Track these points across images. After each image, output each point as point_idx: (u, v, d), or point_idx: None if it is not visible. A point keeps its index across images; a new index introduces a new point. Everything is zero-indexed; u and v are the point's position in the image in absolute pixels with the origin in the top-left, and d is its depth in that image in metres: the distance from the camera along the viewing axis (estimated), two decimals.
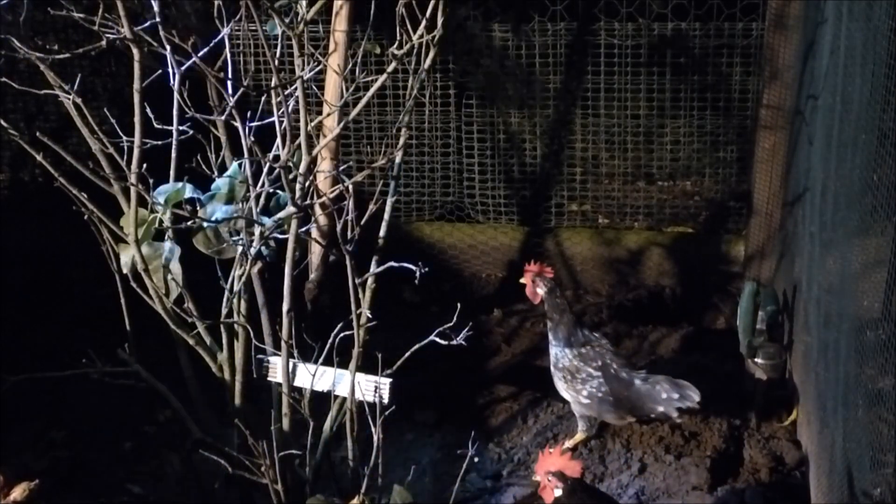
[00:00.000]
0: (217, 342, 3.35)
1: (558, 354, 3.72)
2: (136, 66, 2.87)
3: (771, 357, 3.86)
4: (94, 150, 3.15)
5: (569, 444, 3.73)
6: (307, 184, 3.02)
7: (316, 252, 3.72)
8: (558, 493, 2.63)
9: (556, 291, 3.73)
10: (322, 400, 3.33)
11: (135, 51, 2.85)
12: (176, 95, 2.96)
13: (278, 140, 2.94)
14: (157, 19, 2.79)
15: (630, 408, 3.66)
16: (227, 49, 2.91)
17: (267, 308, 3.30)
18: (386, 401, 3.17)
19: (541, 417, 4.01)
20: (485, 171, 5.08)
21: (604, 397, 3.65)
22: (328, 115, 3.35)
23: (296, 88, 2.80)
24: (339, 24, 3.51)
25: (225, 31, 2.86)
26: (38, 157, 3.15)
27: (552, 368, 3.76)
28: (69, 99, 3.06)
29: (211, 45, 2.97)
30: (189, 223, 3.18)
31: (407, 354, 3.12)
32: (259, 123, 2.96)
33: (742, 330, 4.03)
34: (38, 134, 3.16)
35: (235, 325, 3.32)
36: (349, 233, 2.93)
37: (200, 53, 2.85)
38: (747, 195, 4.79)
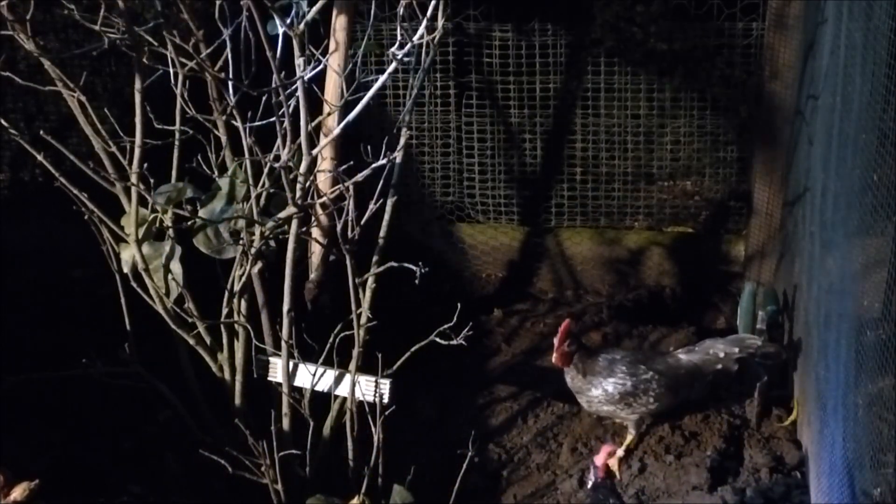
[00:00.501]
0: (217, 342, 3.35)
1: (608, 389, 3.59)
2: (137, 66, 2.88)
3: (771, 357, 3.86)
4: (96, 150, 3.16)
5: (620, 451, 3.65)
6: (307, 184, 3.02)
7: (316, 252, 3.72)
8: (590, 482, 2.93)
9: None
10: (322, 400, 3.34)
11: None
12: (178, 96, 2.97)
13: (279, 140, 2.95)
14: (161, 20, 2.80)
15: (689, 383, 3.69)
16: (228, 49, 2.91)
17: (267, 308, 3.30)
18: (386, 401, 3.17)
19: (541, 417, 4.01)
20: (485, 171, 5.08)
21: (665, 391, 3.62)
22: (328, 114, 3.35)
23: (296, 88, 2.80)
24: (340, 24, 3.51)
25: (227, 32, 2.86)
26: (39, 157, 3.15)
27: (607, 407, 3.63)
28: (73, 96, 3.06)
29: (214, 45, 2.97)
30: (189, 223, 3.19)
31: (407, 354, 3.12)
32: (260, 123, 2.97)
33: (742, 330, 4.04)
34: (41, 133, 3.16)
35: (236, 325, 3.32)
36: (349, 233, 2.93)
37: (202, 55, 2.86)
38: (747, 195, 4.78)
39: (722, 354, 3.68)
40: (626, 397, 3.58)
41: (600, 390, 3.58)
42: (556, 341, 3.57)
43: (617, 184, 5.03)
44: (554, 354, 3.58)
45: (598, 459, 2.88)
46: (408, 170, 3.34)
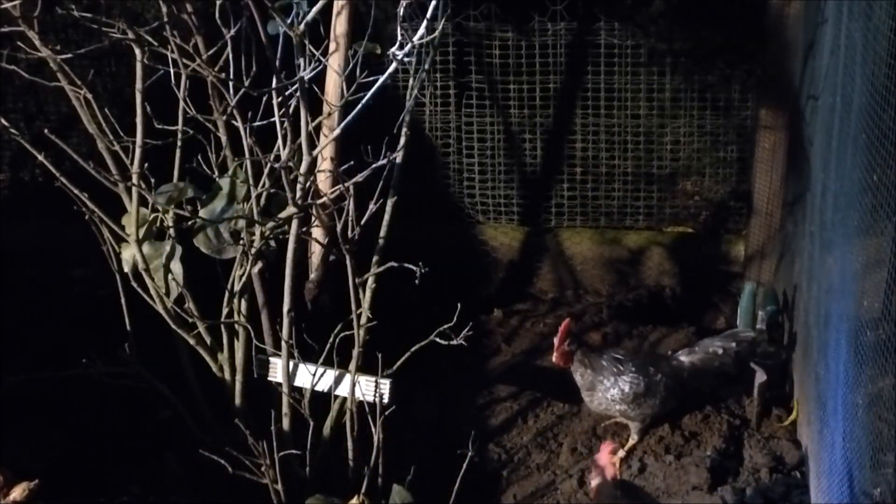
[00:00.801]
0: (217, 342, 3.35)
1: (624, 389, 3.60)
2: (139, 66, 2.88)
3: (771, 357, 3.86)
4: (99, 149, 3.16)
5: (622, 452, 3.65)
6: (307, 184, 3.02)
7: (316, 252, 3.72)
8: (593, 482, 2.94)
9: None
10: (322, 400, 3.33)
11: (137, 51, 2.86)
12: (181, 99, 2.97)
13: (279, 141, 2.95)
14: (165, 20, 2.80)
15: (691, 384, 3.72)
16: (230, 49, 2.91)
17: (267, 308, 3.30)
18: (386, 401, 3.17)
19: (541, 417, 4.01)
20: (485, 171, 5.08)
21: (671, 393, 3.66)
22: (328, 115, 3.34)
23: (297, 89, 2.80)
24: (340, 24, 3.51)
25: (231, 32, 2.86)
26: (40, 157, 3.15)
27: (619, 406, 3.62)
28: (80, 94, 3.06)
29: (216, 47, 2.97)
30: (190, 223, 3.18)
31: (407, 354, 3.12)
32: (260, 123, 2.97)
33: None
34: (45, 131, 3.15)
35: (236, 325, 3.32)
36: (349, 233, 2.93)
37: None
38: (747, 195, 4.78)
39: (720, 351, 3.71)
40: (639, 397, 3.60)
41: (616, 389, 3.60)
42: (556, 340, 3.58)
43: (617, 184, 5.03)
44: (554, 354, 3.59)
45: (601, 458, 2.90)
46: (408, 170, 3.35)
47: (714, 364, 3.72)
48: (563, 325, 3.56)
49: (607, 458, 2.90)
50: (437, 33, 2.96)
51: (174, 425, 3.54)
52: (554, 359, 3.60)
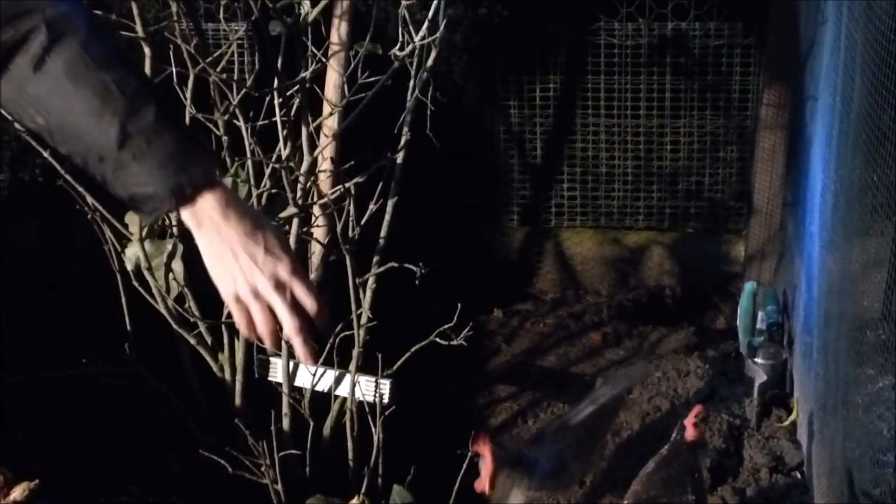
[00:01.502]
0: (218, 342, 3.35)
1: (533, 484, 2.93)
2: (147, 63, 2.88)
3: (771, 357, 3.86)
4: None
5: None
6: (308, 184, 3.02)
7: (316, 252, 3.72)
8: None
9: None
10: (322, 400, 3.33)
11: (146, 50, 2.86)
12: (187, 104, 2.97)
13: (281, 142, 2.95)
14: (175, 19, 2.80)
15: (601, 429, 3.30)
16: (234, 48, 2.92)
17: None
18: (386, 401, 3.17)
19: (541, 417, 4.01)
20: (485, 170, 5.09)
21: (583, 450, 3.09)
22: (329, 115, 3.35)
23: (298, 89, 2.81)
24: (341, 25, 3.51)
25: (239, 32, 2.86)
26: (45, 154, 3.15)
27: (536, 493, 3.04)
28: None
29: (219, 51, 2.98)
30: None
31: (407, 355, 3.12)
32: (261, 123, 2.97)
33: (742, 330, 4.04)
34: None
35: (236, 325, 3.31)
36: (350, 233, 2.94)
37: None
38: (747, 195, 4.79)
39: (608, 399, 3.39)
40: (552, 483, 3.02)
41: (530, 486, 2.94)
42: (483, 471, 2.85)
43: (617, 184, 5.04)
44: (485, 485, 2.85)
45: (688, 418, 2.81)
46: (408, 170, 3.35)
47: (608, 411, 3.45)
48: (486, 452, 2.85)
49: (692, 419, 2.79)
50: (438, 34, 2.97)
51: (174, 425, 3.54)
52: (487, 490, 2.85)
